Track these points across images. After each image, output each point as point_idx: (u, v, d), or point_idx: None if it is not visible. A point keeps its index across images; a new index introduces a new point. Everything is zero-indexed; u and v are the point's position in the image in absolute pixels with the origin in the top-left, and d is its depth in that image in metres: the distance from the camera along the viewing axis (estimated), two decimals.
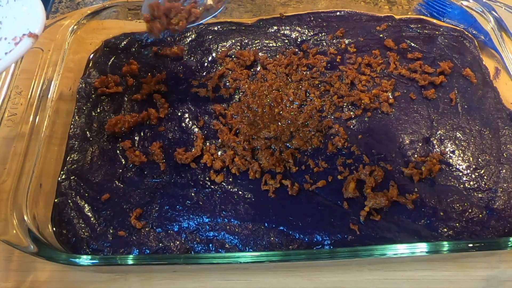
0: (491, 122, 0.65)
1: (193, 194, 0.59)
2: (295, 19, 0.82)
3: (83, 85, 0.72)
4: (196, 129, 0.67)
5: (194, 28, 0.80)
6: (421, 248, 0.49)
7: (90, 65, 0.76)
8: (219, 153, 0.63)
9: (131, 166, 0.62)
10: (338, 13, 0.83)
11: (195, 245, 0.55)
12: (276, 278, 0.56)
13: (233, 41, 0.79)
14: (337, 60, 0.75)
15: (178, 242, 0.55)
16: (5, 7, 0.50)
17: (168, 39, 0.79)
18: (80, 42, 0.76)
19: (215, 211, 0.58)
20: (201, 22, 0.69)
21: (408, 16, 0.82)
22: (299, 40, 0.79)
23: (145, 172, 0.62)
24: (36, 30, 0.45)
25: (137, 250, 0.55)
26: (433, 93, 0.69)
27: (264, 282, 0.56)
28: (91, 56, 0.77)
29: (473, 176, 0.60)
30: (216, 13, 0.69)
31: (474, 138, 0.64)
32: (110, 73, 0.72)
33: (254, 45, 0.78)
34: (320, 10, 0.83)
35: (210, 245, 0.55)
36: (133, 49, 0.78)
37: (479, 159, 0.61)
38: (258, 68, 0.74)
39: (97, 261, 0.50)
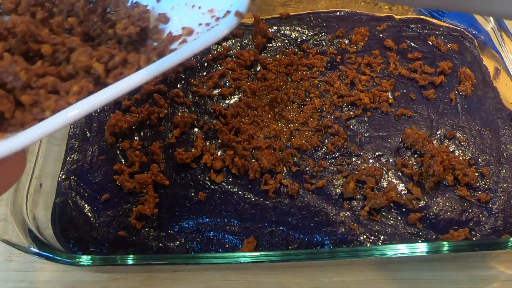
0: (491, 122, 0.65)
1: (193, 194, 0.59)
2: (295, 19, 0.82)
3: None
4: (196, 129, 0.67)
5: None
6: (421, 248, 0.49)
7: None
8: (219, 153, 0.63)
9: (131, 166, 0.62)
10: (338, 13, 0.83)
11: (195, 245, 0.55)
12: (276, 278, 0.56)
13: (233, 41, 0.79)
14: (337, 60, 0.75)
15: (178, 242, 0.55)
16: None
17: None
18: None
19: (215, 211, 0.58)
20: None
21: (408, 16, 0.82)
22: (299, 40, 0.79)
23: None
24: (242, 8, 0.37)
25: (137, 250, 0.55)
26: (433, 93, 0.69)
27: (264, 282, 0.56)
28: None
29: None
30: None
31: (474, 138, 0.64)
32: None
33: (254, 45, 0.78)
34: (320, 10, 0.83)
35: (210, 245, 0.55)
36: None
37: (479, 159, 0.61)
38: (258, 68, 0.74)
39: (97, 261, 0.50)
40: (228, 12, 0.38)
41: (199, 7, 0.41)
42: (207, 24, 0.39)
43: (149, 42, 0.39)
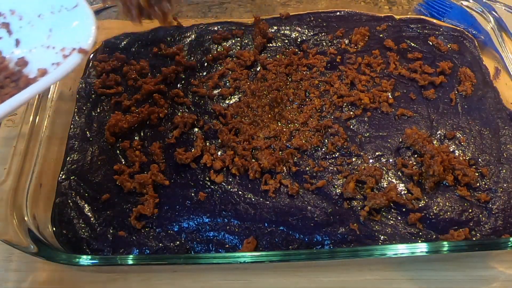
0: (491, 122, 0.65)
1: (193, 194, 0.59)
2: (295, 19, 0.82)
3: (83, 85, 0.72)
4: (196, 129, 0.67)
5: (194, 28, 0.81)
6: (421, 248, 0.49)
7: (90, 65, 0.76)
8: (219, 153, 0.63)
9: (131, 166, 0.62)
10: (338, 13, 0.82)
11: (195, 245, 0.55)
12: (276, 278, 0.56)
13: (233, 41, 0.79)
14: (337, 60, 0.75)
15: (178, 242, 0.55)
16: (57, 16, 0.47)
17: (168, 39, 0.79)
18: None
19: (215, 211, 0.58)
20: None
21: (408, 16, 0.82)
22: (299, 40, 0.79)
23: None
24: (86, 45, 0.42)
25: (137, 250, 0.55)
26: (433, 93, 0.69)
27: (264, 282, 0.56)
28: (91, 56, 0.77)
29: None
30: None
31: (474, 138, 0.64)
32: (110, 73, 0.72)
33: (254, 45, 0.78)
34: (320, 10, 0.83)
35: (210, 245, 0.55)
36: (133, 49, 0.78)
37: (479, 159, 0.61)
38: (258, 68, 0.74)
39: (97, 261, 0.50)
40: (74, 49, 0.40)
41: (53, 47, 0.44)
42: (58, 64, 0.41)
43: (7, 88, 0.41)
